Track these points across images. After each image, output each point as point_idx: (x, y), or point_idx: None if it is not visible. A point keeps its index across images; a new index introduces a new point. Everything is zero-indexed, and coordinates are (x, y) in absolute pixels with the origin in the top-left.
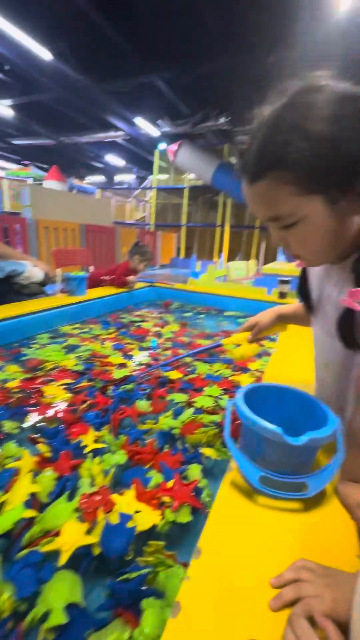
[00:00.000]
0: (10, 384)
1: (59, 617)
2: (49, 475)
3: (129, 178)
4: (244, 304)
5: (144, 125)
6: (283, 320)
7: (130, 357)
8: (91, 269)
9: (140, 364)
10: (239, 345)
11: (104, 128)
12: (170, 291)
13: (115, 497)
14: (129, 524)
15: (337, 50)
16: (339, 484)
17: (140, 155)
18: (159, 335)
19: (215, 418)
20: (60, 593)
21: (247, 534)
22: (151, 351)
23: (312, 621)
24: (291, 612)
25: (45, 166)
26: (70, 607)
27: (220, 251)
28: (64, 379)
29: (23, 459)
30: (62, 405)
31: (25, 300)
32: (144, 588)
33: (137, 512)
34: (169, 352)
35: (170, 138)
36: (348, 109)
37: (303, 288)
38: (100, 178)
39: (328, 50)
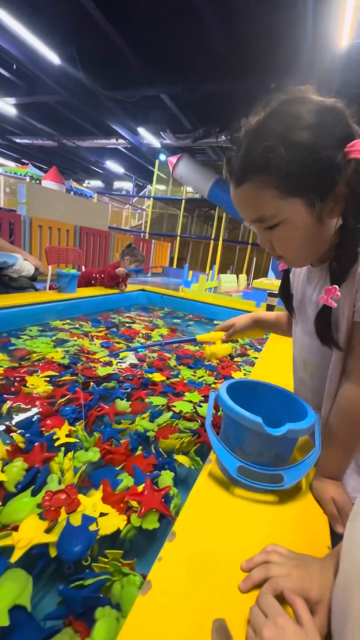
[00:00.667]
0: None
1: (0, 619)
2: (19, 465)
3: (127, 185)
4: (232, 314)
5: (146, 136)
6: (259, 325)
7: (116, 356)
8: (83, 268)
9: (125, 364)
10: (212, 343)
11: (107, 135)
12: (160, 296)
13: (81, 497)
14: (91, 527)
15: (335, 82)
16: (314, 479)
17: (140, 164)
18: (148, 337)
19: (192, 425)
20: (7, 593)
21: (222, 522)
22: (138, 353)
23: (280, 599)
24: (260, 591)
25: (44, 167)
26: (16, 611)
27: (212, 264)
28: (48, 371)
29: None
30: (41, 397)
31: (15, 293)
32: (100, 595)
33: (102, 514)
34: (155, 355)
35: (171, 150)
36: (326, 119)
37: (284, 289)
38: (98, 183)
39: (327, 81)
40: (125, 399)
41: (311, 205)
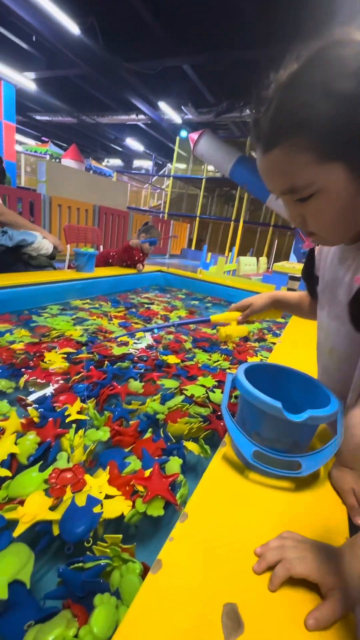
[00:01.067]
0: (15, 346)
1: None
2: (31, 439)
3: (147, 164)
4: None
5: (167, 110)
6: (278, 305)
7: (133, 336)
8: (101, 248)
9: (141, 345)
10: (227, 324)
11: (127, 110)
12: (178, 278)
13: (88, 477)
14: (96, 509)
15: None
16: (334, 468)
17: (160, 141)
18: (166, 319)
19: (203, 411)
20: (8, 566)
21: (235, 506)
22: (154, 334)
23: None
24: (272, 573)
25: (64, 145)
26: (16, 586)
27: (232, 246)
28: (66, 348)
29: (10, 420)
30: (57, 373)
31: (34, 271)
32: (100, 581)
33: (107, 497)
34: (171, 337)
35: (193, 126)
36: None
37: (308, 271)
38: (117, 162)
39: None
40: (138, 380)
41: (353, 172)
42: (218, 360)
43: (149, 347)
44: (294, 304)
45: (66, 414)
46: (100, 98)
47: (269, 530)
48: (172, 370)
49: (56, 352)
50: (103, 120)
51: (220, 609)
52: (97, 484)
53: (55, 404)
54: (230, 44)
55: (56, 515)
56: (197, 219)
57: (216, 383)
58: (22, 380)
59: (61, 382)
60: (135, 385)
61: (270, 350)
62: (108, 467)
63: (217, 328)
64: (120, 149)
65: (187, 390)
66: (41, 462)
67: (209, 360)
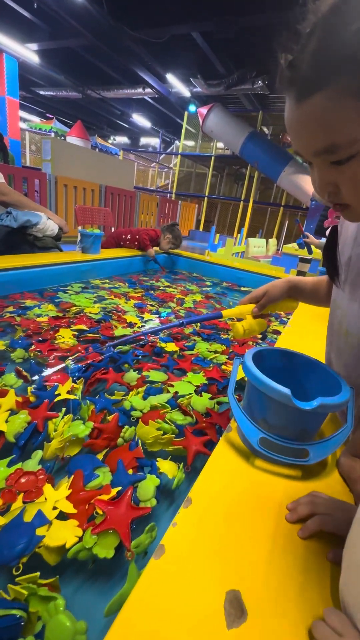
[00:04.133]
0: (41, 319)
1: None
2: (22, 417)
3: (154, 141)
4: (259, 279)
5: (175, 83)
6: (295, 292)
7: (142, 318)
8: (112, 229)
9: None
10: (242, 319)
11: (133, 83)
12: (186, 260)
13: (47, 488)
14: (39, 531)
15: None
16: (342, 456)
17: (168, 116)
18: (181, 302)
19: (181, 419)
20: None
21: (240, 492)
22: (161, 318)
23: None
24: (304, 525)
25: (69, 122)
26: None
27: (241, 227)
28: (80, 325)
29: (6, 397)
30: (62, 349)
31: (41, 253)
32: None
33: (60, 516)
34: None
35: (202, 100)
36: None
37: (331, 249)
38: (124, 139)
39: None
40: (132, 369)
41: None
42: (217, 352)
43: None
44: (310, 290)
45: (56, 392)
46: (106, 70)
47: (274, 517)
48: (163, 360)
49: (70, 328)
50: (109, 95)
51: (223, 596)
52: (54, 497)
53: (46, 383)
54: (241, 8)
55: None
56: (206, 199)
57: (205, 382)
58: (29, 351)
59: (60, 359)
60: (130, 376)
61: (273, 343)
62: (72, 478)
63: (232, 324)
64: (126, 126)
65: (172, 386)
66: (12, 456)
67: (208, 350)
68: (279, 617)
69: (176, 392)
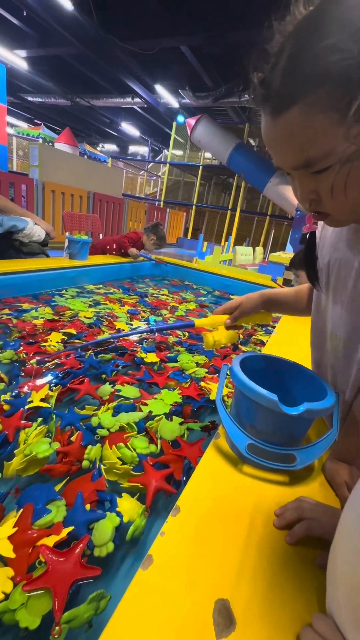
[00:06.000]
0: (37, 321)
1: None
2: None
3: (142, 150)
4: (247, 287)
5: (164, 94)
6: (270, 305)
7: (131, 324)
8: (100, 236)
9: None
10: (214, 329)
11: (122, 93)
12: (173, 267)
13: None
14: None
15: None
16: (328, 461)
17: (156, 126)
18: (174, 310)
19: (144, 448)
20: None
21: (228, 499)
22: (150, 325)
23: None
24: (291, 530)
25: (57, 128)
26: None
27: (228, 235)
28: (70, 329)
29: None
30: (47, 353)
31: (27, 259)
32: None
33: None
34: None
35: (190, 111)
36: None
37: (311, 256)
38: (112, 147)
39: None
40: (110, 378)
41: None
42: (199, 364)
43: (142, 339)
44: (290, 300)
45: (29, 399)
46: (95, 79)
47: (262, 523)
48: (138, 374)
49: (60, 331)
50: (98, 103)
51: (212, 606)
52: None
53: (20, 389)
54: (229, 24)
55: None
56: (194, 207)
57: (180, 401)
58: (19, 353)
59: (37, 364)
60: (105, 389)
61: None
62: (21, 512)
63: (203, 334)
64: (115, 134)
65: (146, 404)
66: None
67: (190, 361)
68: (268, 625)
69: (150, 412)
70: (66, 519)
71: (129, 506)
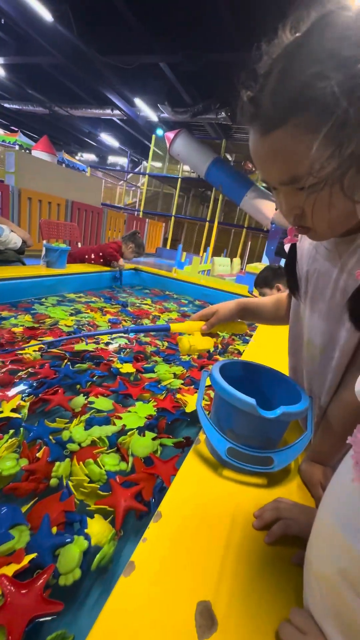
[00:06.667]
0: (16, 329)
1: None
2: None
3: (122, 160)
4: (225, 297)
5: (143, 107)
6: (245, 313)
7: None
8: (79, 245)
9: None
10: (189, 335)
11: (102, 104)
12: (153, 276)
13: None
14: None
15: None
16: (304, 462)
17: (136, 138)
18: (156, 318)
19: (113, 465)
20: None
21: (209, 503)
22: (128, 335)
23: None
24: (270, 530)
25: (35, 136)
26: None
27: (207, 246)
28: (49, 337)
29: None
30: (23, 363)
31: (3, 266)
32: None
33: None
34: (149, 339)
35: (169, 125)
36: None
37: (292, 266)
38: (92, 157)
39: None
40: (85, 389)
41: None
42: (175, 376)
43: (120, 349)
44: (266, 310)
45: (0, 409)
46: (74, 89)
47: (242, 525)
48: (113, 385)
49: (38, 339)
50: (77, 113)
51: (194, 608)
52: None
53: None
54: (207, 45)
55: None
56: (173, 218)
57: (155, 414)
58: None
59: (10, 374)
60: (77, 401)
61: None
62: None
63: (179, 339)
64: (94, 144)
65: (120, 417)
66: None
67: (167, 373)
68: (249, 623)
69: (124, 426)
70: (30, 544)
71: (98, 529)
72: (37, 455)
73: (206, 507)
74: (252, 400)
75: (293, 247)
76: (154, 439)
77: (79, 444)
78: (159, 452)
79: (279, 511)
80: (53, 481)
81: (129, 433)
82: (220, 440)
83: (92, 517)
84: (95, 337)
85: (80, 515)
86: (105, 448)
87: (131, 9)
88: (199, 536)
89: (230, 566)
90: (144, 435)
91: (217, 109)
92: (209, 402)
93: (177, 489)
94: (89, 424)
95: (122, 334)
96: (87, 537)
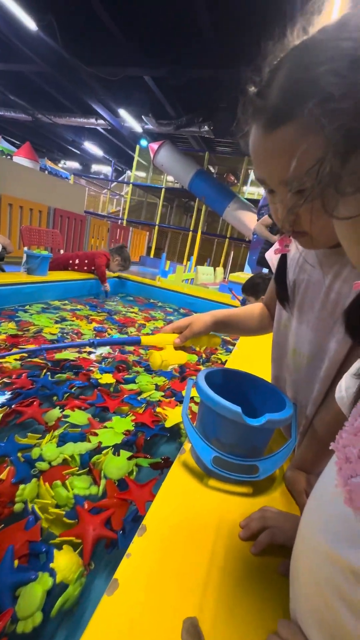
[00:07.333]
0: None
1: None
2: None
3: (106, 169)
4: (208, 305)
5: (127, 118)
6: (221, 325)
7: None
8: (61, 252)
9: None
10: (161, 349)
11: (86, 113)
12: (137, 284)
13: None
14: None
15: None
16: (289, 470)
17: (120, 148)
18: (142, 327)
19: (83, 488)
20: None
21: (195, 514)
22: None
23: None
24: (256, 540)
25: (17, 142)
26: None
27: (190, 255)
28: (31, 345)
29: None
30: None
31: None
32: None
33: None
34: (132, 348)
35: (153, 136)
36: None
37: (282, 276)
38: (75, 164)
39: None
40: (62, 401)
41: None
42: (157, 388)
43: (102, 359)
44: (241, 321)
45: None
46: (58, 98)
47: (228, 536)
48: (91, 397)
49: (19, 347)
50: (60, 121)
51: (180, 625)
52: None
53: None
54: (190, 61)
55: None
56: (156, 227)
57: (132, 429)
58: None
59: None
60: (52, 413)
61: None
62: None
63: (149, 353)
64: (78, 152)
65: (96, 434)
66: None
67: (149, 384)
68: (236, 638)
69: (99, 443)
70: None
71: (65, 562)
72: (1, 476)
73: (191, 519)
74: (237, 408)
75: (283, 257)
76: (129, 458)
77: (49, 463)
78: (134, 473)
79: (265, 520)
80: (18, 506)
81: (104, 452)
82: (205, 449)
83: (59, 548)
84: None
85: (46, 546)
86: (77, 468)
87: (116, 21)
88: (185, 549)
89: (216, 580)
90: (119, 455)
91: (200, 123)
92: (191, 416)
93: (162, 501)
94: (62, 440)
95: (85, 345)
96: (53, 573)
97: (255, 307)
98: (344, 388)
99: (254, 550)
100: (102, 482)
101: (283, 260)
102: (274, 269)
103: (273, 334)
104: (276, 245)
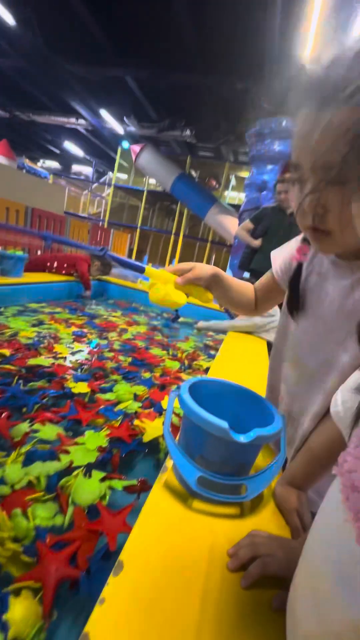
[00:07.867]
0: None
1: None
2: None
3: (86, 170)
4: (191, 308)
5: (109, 119)
6: (217, 281)
7: (72, 347)
8: (38, 253)
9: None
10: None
11: (66, 112)
12: (118, 287)
13: None
14: None
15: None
16: (279, 485)
17: (101, 149)
18: (123, 332)
19: (46, 519)
20: None
21: (178, 544)
22: (91, 348)
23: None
24: (246, 572)
25: None
26: None
27: (172, 258)
28: (4, 350)
29: None
30: None
31: None
32: None
33: None
34: (112, 354)
35: (135, 139)
36: None
37: (297, 282)
38: (55, 164)
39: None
40: (31, 414)
41: None
42: (135, 397)
43: (79, 365)
44: (234, 289)
45: None
46: (37, 95)
47: (216, 568)
48: (64, 409)
49: None
50: (39, 119)
51: None
52: None
53: None
54: (172, 65)
55: None
56: (138, 230)
57: (107, 444)
58: None
59: None
60: (20, 428)
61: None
62: None
63: (151, 283)
64: (57, 152)
65: (67, 452)
66: None
67: (127, 393)
68: None
69: (71, 462)
70: None
71: (22, 613)
72: None
73: (174, 550)
74: (224, 424)
75: (299, 266)
76: (102, 479)
77: (12, 486)
78: (107, 497)
79: (255, 547)
80: None
81: (74, 473)
82: (190, 469)
83: (17, 594)
84: (57, 355)
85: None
86: (42, 493)
87: (96, 20)
88: (168, 589)
89: (205, 622)
90: (90, 477)
91: (182, 127)
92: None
93: (141, 531)
94: (29, 459)
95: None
96: (5, 628)
97: (249, 285)
98: (340, 402)
99: (243, 583)
100: (70, 509)
101: (299, 269)
102: (275, 268)
103: (274, 343)
104: (288, 247)
